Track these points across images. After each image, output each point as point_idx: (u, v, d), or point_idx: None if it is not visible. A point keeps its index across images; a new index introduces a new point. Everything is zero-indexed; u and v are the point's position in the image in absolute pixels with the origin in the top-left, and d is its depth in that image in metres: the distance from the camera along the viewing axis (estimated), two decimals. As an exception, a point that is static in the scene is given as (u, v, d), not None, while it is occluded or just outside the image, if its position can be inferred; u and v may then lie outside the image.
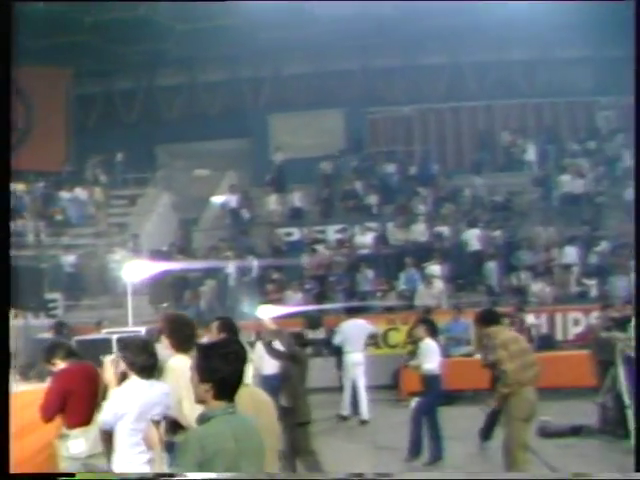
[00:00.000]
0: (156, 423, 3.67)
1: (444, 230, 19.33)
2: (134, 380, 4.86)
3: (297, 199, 21.23)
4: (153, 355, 5.00)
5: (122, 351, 5.07)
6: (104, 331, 13.70)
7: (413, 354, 10.92)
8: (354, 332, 13.01)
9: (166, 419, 3.59)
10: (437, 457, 9.49)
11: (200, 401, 3.54)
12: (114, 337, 10.37)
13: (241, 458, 3.43)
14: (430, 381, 9.83)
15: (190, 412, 4.47)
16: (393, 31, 21.31)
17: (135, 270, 15.69)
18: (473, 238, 18.85)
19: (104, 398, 5.29)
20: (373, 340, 13.65)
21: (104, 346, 9.36)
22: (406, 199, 20.77)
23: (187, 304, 17.57)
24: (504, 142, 23.36)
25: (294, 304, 17.36)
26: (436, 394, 9.89)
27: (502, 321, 8.37)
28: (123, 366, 4.98)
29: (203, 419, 3.48)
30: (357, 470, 9.31)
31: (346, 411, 12.91)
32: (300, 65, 23.74)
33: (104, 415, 4.91)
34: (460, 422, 11.86)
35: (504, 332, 7.92)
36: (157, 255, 18.35)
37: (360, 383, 12.82)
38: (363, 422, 12.64)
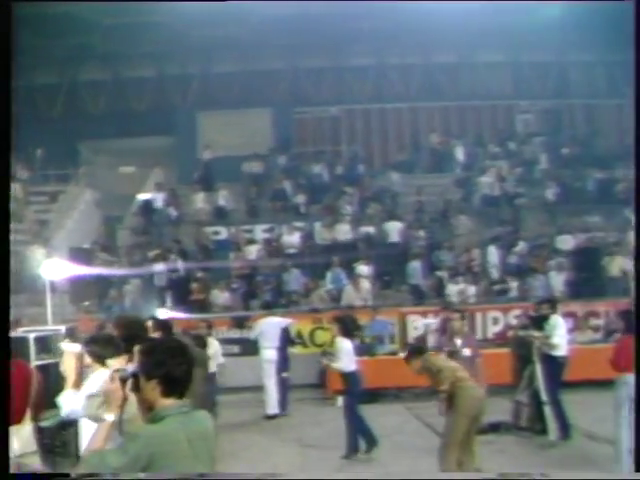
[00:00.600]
0: (122, 380, 3.46)
1: (370, 230, 19.61)
2: (101, 372, 4.86)
3: (224, 198, 21.12)
4: (120, 348, 5.03)
5: (88, 345, 5.11)
6: (21, 330, 13.36)
7: (329, 353, 11.13)
8: (269, 329, 13.15)
9: (133, 376, 3.41)
10: (369, 449, 9.82)
11: (148, 406, 3.34)
12: (31, 336, 10.10)
13: (196, 461, 3.31)
14: (346, 379, 10.08)
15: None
16: (321, 32, 21.43)
17: (55, 268, 15.35)
18: (394, 231, 19.19)
19: (42, 395, 5.27)
20: (288, 335, 13.69)
21: (21, 345, 9.08)
22: (333, 199, 20.94)
23: (111, 303, 17.31)
24: (433, 143, 23.78)
25: (221, 303, 17.38)
26: (353, 391, 10.09)
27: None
28: (87, 359, 5.03)
29: (154, 418, 3.31)
30: (283, 468, 9.41)
31: (272, 409, 12.99)
32: (229, 63, 23.59)
33: (72, 405, 4.89)
34: (385, 419, 12.08)
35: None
36: (78, 253, 17.97)
37: (270, 380, 12.92)
38: (270, 417, 12.78)
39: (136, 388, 3.38)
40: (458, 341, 9.56)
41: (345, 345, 10.01)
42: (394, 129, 24.69)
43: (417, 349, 8.69)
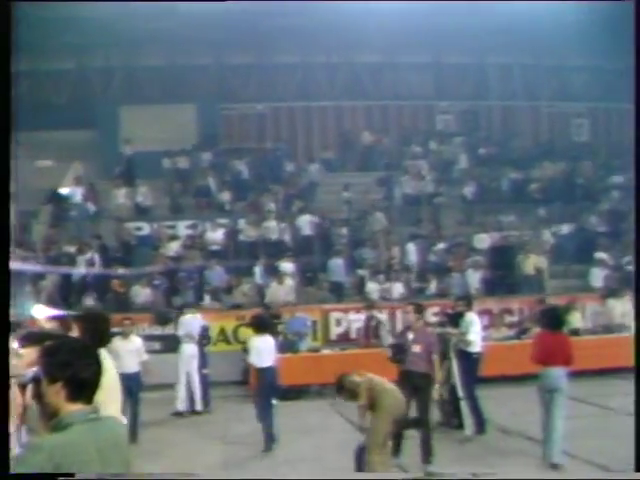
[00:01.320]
0: (21, 387, 3.20)
1: (295, 226, 19.78)
2: None
3: (142, 194, 20.85)
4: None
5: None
6: None
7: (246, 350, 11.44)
8: (191, 325, 13.22)
9: (34, 381, 3.15)
10: (269, 447, 10.07)
11: (52, 413, 3.02)
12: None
13: (106, 470, 3.01)
14: (258, 374, 10.39)
15: None
16: (248, 28, 21.39)
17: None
18: (306, 224, 19.45)
19: None
20: (206, 332, 13.78)
21: None
22: (258, 196, 21.00)
23: (26, 299, 16.90)
24: (365, 141, 24.06)
25: (142, 299, 17.20)
26: (264, 387, 10.37)
27: None
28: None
29: (58, 426, 2.97)
30: (206, 465, 9.46)
31: (182, 406, 13.00)
32: (154, 58, 23.29)
33: None
34: (309, 416, 12.26)
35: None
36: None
37: (194, 375, 13.01)
38: (196, 413, 12.87)
39: (37, 394, 3.11)
40: (410, 336, 9.23)
41: (257, 342, 10.35)
42: (319, 127, 24.93)
43: (339, 380, 8.35)
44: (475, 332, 10.86)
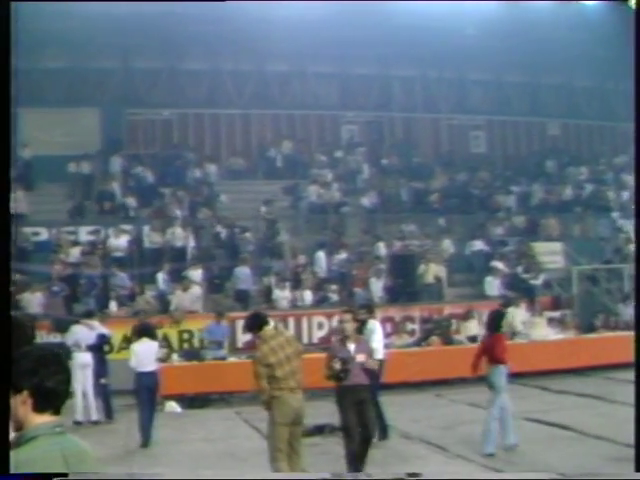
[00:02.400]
0: None
1: (204, 234, 19.71)
2: None
3: (17, 200, 20.19)
4: None
5: None
6: None
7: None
8: (82, 334, 13.01)
9: None
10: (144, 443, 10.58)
11: (17, 425, 2.82)
12: None
13: None
14: (140, 378, 10.96)
15: None
16: (157, 33, 21.14)
17: None
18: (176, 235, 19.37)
19: None
20: (105, 342, 13.59)
21: None
22: (163, 202, 20.79)
23: None
24: (287, 150, 24.21)
25: (39, 306, 16.72)
26: (145, 390, 10.92)
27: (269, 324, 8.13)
28: None
29: (21, 440, 2.76)
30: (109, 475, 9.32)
31: (80, 416, 12.76)
32: (57, 59, 22.64)
33: None
34: (215, 424, 12.27)
35: (276, 338, 7.85)
36: None
37: (88, 385, 12.81)
38: (95, 423, 12.67)
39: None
40: (351, 346, 8.54)
41: (139, 347, 11.08)
42: (226, 135, 24.90)
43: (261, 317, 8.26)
44: (377, 340, 11.07)
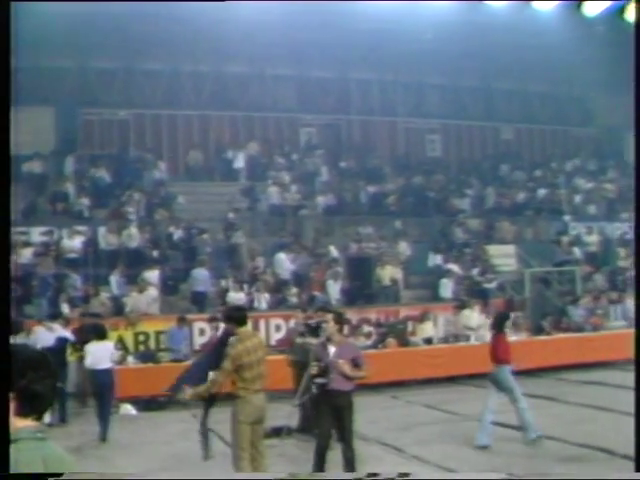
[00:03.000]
0: None
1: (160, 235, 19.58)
2: None
3: None
4: None
5: None
6: None
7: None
8: (42, 337, 12.92)
9: None
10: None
11: None
12: None
13: None
14: (95, 376, 11.56)
15: None
16: (114, 32, 20.88)
17: None
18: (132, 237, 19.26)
19: None
20: (64, 346, 13.46)
21: None
22: (119, 203, 20.59)
23: None
24: (252, 151, 24.15)
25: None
26: (99, 388, 11.50)
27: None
28: None
29: None
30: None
31: None
32: (11, 58, 22.26)
33: None
34: (172, 426, 12.21)
35: (251, 339, 7.86)
36: None
37: None
38: (49, 425, 12.52)
39: None
40: (332, 349, 8.08)
41: (94, 347, 11.49)
42: (184, 136, 24.75)
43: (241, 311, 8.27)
44: (334, 341, 11.17)
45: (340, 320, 8.22)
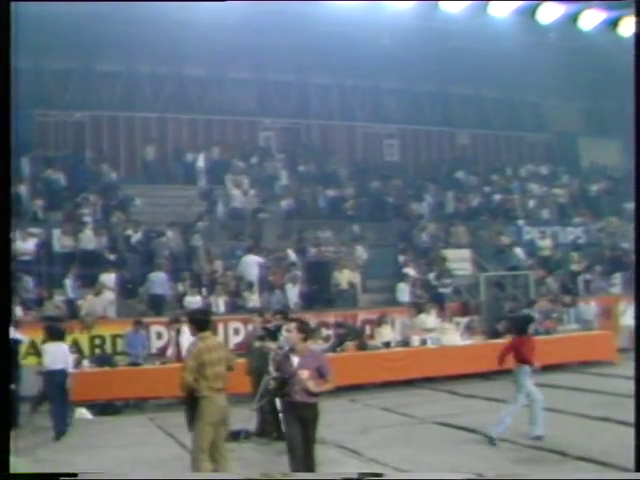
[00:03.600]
0: None
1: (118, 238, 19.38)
2: None
3: None
4: None
5: None
6: None
7: None
8: None
9: None
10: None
11: None
12: None
13: None
14: (49, 377, 11.77)
15: None
16: (70, 32, 20.61)
17: None
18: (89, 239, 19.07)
19: None
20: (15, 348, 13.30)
21: None
22: (74, 206, 20.32)
23: None
24: (204, 155, 23.97)
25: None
26: (54, 389, 11.72)
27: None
28: None
29: None
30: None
31: None
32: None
33: None
34: (129, 430, 12.11)
35: (211, 339, 7.98)
36: None
37: None
38: None
39: None
40: (295, 360, 7.63)
41: (50, 347, 11.79)
42: (141, 138, 24.52)
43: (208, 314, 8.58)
44: (293, 345, 11.19)
45: (304, 329, 7.74)
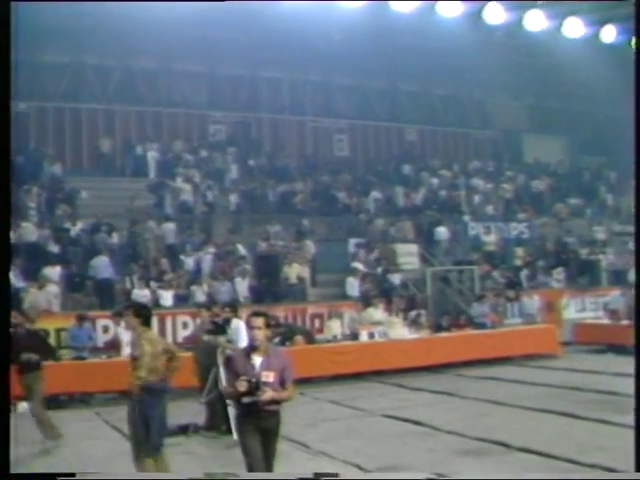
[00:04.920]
0: None
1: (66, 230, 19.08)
2: None
3: None
4: None
5: None
6: None
7: None
8: None
9: None
10: None
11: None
12: None
13: None
14: None
15: None
16: (14, 22, 20.14)
17: None
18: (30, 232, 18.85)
19: None
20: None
21: None
22: (17, 197, 19.88)
23: None
24: (153, 147, 23.71)
25: None
26: None
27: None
28: None
29: None
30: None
31: None
32: None
33: None
34: (75, 425, 11.97)
35: (150, 332, 8.17)
36: None
37: None
38: None
39: None
40: (257, 360, 6.32)
41: None
42: (88, 130, 24.12)
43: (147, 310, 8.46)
44: (242, 339, 11.12)
45: (268, 323, 6.50)
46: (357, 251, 21.49)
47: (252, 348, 6.36)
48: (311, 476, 4.26)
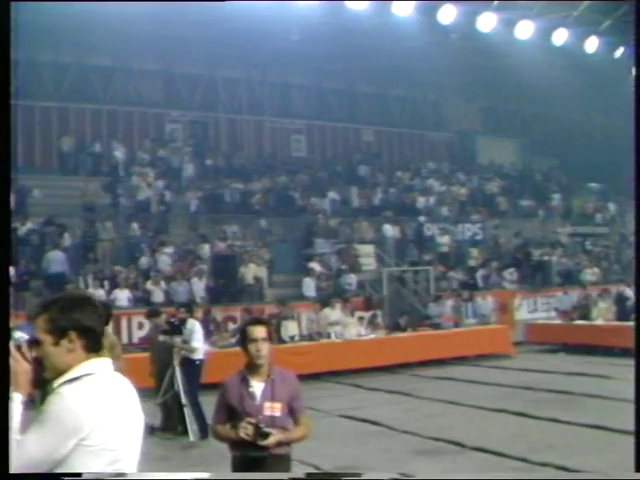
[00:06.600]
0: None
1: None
2: None
3: None
4: None
5: None
6: None
7: None
8: None
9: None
10: None
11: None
12: None
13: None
14: None
15: None
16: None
17: None
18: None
19: None
20: None
21: None
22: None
23: None
24: (108, 146, 23.44)
25: None
26: None
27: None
28: None
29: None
30: None
31: None
32: None
33: None
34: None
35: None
36: None
37: None
38: None
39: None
40: (258, 387, 4.80)
41: None
42: (41, 129, 23.71)
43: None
44: (197, 339, 11.10)
45: (272, 335, 5.16)
46: (314, 251, 21.53)
47: (251, 370, 4.79)
48: (303, 476, 3.67)
